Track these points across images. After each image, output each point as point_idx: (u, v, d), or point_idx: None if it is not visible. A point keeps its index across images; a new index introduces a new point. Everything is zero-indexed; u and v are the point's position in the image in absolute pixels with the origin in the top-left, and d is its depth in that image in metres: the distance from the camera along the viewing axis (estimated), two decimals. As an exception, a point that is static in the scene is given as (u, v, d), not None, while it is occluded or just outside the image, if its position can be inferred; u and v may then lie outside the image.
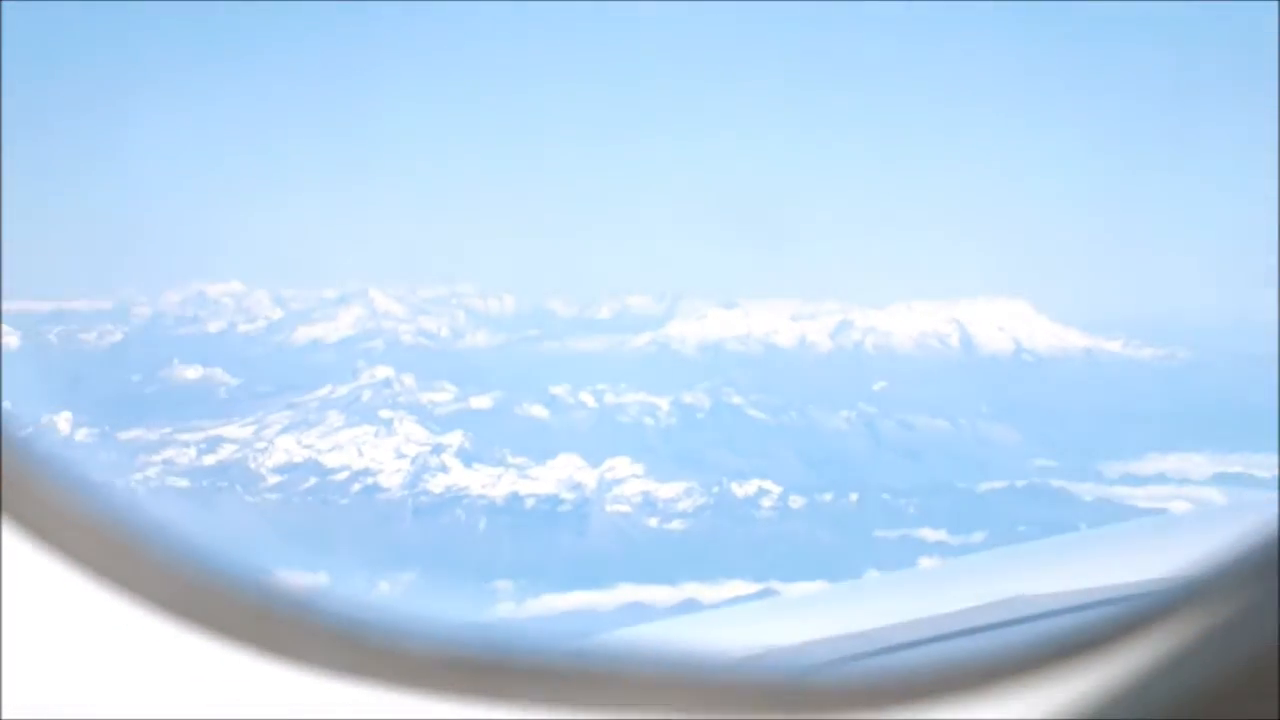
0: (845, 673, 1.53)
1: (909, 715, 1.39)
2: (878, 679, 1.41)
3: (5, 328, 54.67)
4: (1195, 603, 1.35)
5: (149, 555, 1.39)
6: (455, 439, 47.72)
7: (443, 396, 52.36)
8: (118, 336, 58.88)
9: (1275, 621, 1.29)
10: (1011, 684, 1.39)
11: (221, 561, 1.41)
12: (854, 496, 45.94)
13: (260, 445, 47.35)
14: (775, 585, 37.16)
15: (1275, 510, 1.34)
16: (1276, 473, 48.74)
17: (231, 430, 48.10)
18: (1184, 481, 49.73)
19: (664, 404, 54.90)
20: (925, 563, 39.71)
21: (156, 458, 46.31)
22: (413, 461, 46.58)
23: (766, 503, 45.41)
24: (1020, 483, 48.12)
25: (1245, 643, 1.30)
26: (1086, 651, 1.37)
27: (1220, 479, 48.91)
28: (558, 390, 54.68)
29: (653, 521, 44.61)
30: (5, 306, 57.10)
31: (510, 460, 47.00)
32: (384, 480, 45.86)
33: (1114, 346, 68.45)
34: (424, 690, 1.37)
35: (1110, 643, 1.36)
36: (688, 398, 55.40)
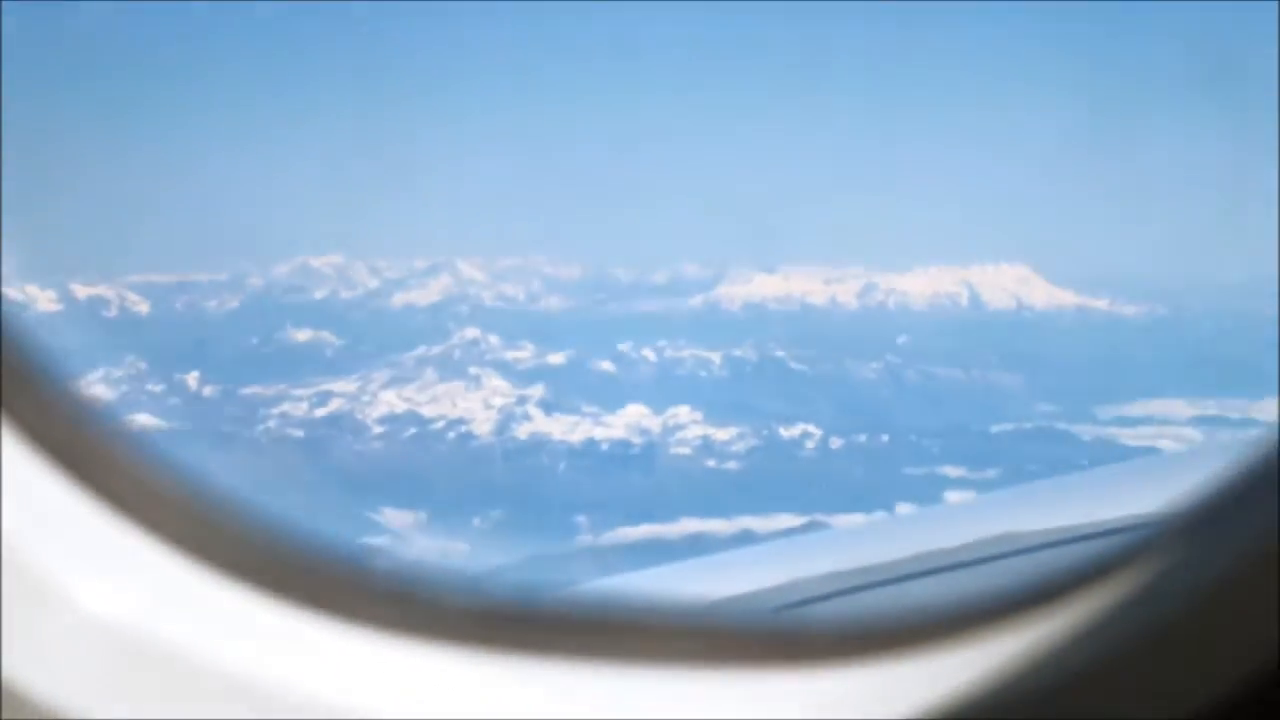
0: (815, 618, 1.51)
1: (869, 666, 1.37)
2: (840, 627, 1.41)
3: (135, 296, 56.00)
4: (1162, 541, 1.32)
5: (219, 522, 1.41)
6: (536, 391, 48.07)
7: (523, 354, 52.08)
8: (235, 304, 58.76)
9: (1250, 546, 1.25)
10: (978, 632, 1.35)
11: (285, 526, 1.43)
12: (885, 437, 46.40)
13: (365, 399, 47.46)
14: (820, 518, 37.24)
15: (1247, 448, 1.32)
16: (1250, 414, 48.37)
17: (339, 386, 48.32)
18: (1167, 423, 50.01)
19: (716, 358, 54.99)
20: (950, 496, 40.46)
21: (275, 411, 46.77)
22: (500, 411, 46.79)
23: (809, 444, 45.74)
24: (1027, 424, 48.82)
25: (1213, 573, 1.25)
26: (1056, 593, 1.33)
27: (1198, 420, 49.27)
28: (623, 347, 54.61)
29: (711, 462, 45.05)
30: (136, 278, 58.03)
31: (584, 409, 47.48)
32: (476, 428, 46.17)
33: (1101, 305, 68.55)
34: (456, 644, 1.38)
35: (1084, 582, 1.32)
36: (737, 352, 55.47)
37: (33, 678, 1.31)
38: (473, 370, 49.39)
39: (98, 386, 42.88)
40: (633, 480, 44.07)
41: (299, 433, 46.59)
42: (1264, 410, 44.23)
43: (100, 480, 1.38)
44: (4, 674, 1.32)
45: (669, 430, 46.21)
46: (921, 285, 69.89)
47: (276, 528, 1.43)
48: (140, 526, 1.38)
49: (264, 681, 1.36)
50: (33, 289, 52.76)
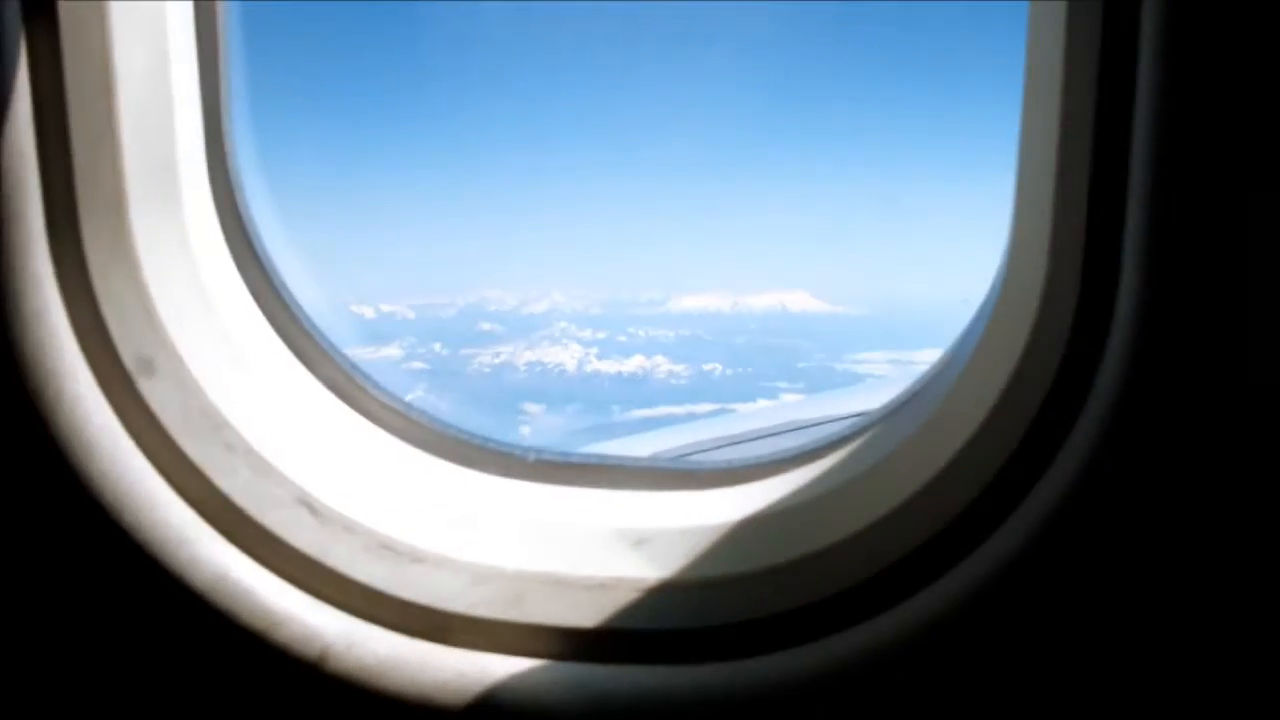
0: (694, 463, 1.46)
1: (712, 494, 1.40)
2: (700, 470, 1.42)
3: (407, 309, 67.46)
4: (873, 424, 1.36)
5: (417, 419, 1.46)
6: (594, 350, 60.43)
7: (586, 333, 64.51)
8: (454, 312, 70.97)
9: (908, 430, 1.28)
10: (783, 471, 1.37)
11: (446, 419, 1.47)
12: (750, 369, 58.25)
13: (517, 355, 59.48)
14: (725, 405, 41.02)
15: (914, 377, 1.38)
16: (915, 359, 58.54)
17: (504, 349, 61.24)
18: (876, 362, 59.80)
19: (672, 335, 69.23)
20: (784, 397, 46.79)
21: (475, 361, 59.38)
22: (577, 360, 58.68)
23: (716, 373, 57.44)
24: (814, 364, 60.55)
25: (897, 440, 1.30)
26: (825, 450, 1.36)
27: (891, 362, 58.63)
28: (631, 329, 68.32)
29: (674, 381, 56.96)
30: (406, 300, 68.79)
31: (615, 358, 59.35)
32: (567, 367, 58.26)
33: (842, 309, 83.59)
34: (529, 479, 1.44)
35: (837, 444, 1.36)
36: (682, 331, 69.64)
37: (323, 489, 1.36)
38: (564, 341, 61.32)
39: (394, 351, 56.90)
40: (637, 390, 54.50)
41: (487, 370, 58.40)
42: (925, 357, 40.36)
43: (355, 400, 1.46)
44: (307, 488, 1.36)
45: (654, 367, 57.41)
46: (760, 301, 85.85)
47: (450, 423, 1.47)
48: (376, 424, 1.45)
49: (435, 506, 1.40)
50: (362, 307, 66.46)
